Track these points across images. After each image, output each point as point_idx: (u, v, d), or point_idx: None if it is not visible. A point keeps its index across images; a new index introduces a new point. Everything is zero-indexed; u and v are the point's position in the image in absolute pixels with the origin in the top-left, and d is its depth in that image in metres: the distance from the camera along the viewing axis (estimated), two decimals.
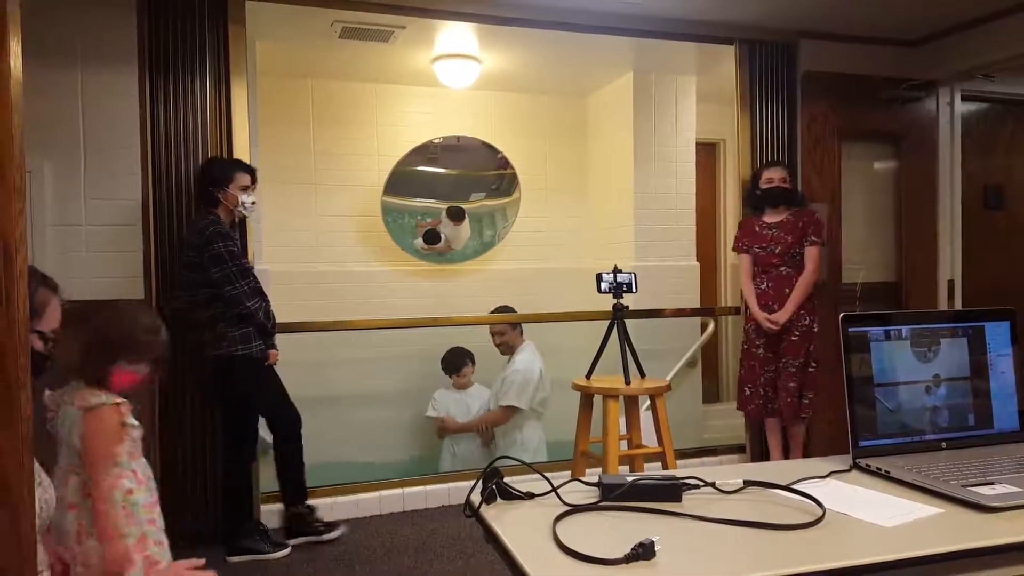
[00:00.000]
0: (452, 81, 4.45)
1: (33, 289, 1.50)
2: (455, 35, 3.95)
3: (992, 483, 1.23)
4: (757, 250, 3.66)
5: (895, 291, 4.27)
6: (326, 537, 3.17)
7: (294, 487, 3.18)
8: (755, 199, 3.75)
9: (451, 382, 4.45)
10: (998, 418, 1.50)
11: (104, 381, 1.73)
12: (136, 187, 3.11)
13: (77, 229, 3.05)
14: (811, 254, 3.59)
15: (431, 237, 4.79)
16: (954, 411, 1.47)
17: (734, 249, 3.80)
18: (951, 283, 4.24)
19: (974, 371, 1.49)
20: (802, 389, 3.55)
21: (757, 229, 3.69)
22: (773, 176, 3.67)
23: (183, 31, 3.15)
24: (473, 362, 4.45)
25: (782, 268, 3.60)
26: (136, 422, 1.74)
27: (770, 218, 3.68)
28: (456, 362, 4.42)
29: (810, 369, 3.56)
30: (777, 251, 3.60)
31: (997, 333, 1.52)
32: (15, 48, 0.97)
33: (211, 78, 3.19)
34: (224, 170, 3.06)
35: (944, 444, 1.45)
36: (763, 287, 3.63)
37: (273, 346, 3.11)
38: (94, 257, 3.07)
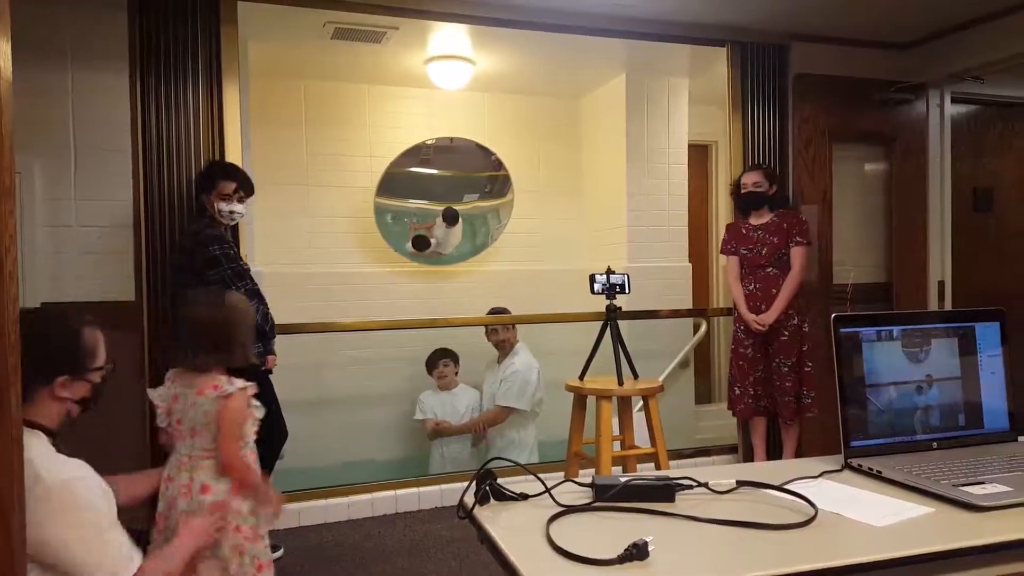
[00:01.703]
0: (445, 82, 4.45)
1: (79, 328, 1.57)
2: (448, 36, 3.95)
3: (983, 482, 1.24)
4: (744, 252, 3.69)
5: (886, 292, 4.30)
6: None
7: None
8: (737, 202, 3.81)
9: (435, 384, 4.44)
10: (988, 418, 1.51)
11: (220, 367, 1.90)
12: (127, 188, 3.09)
13: (68, 230, 3.04)
14: (798, 254, 3.63)
15: (420, 243, 4.78)
16: (945, 411, 1.48)
17: (722, 252, 3.83)
18: (941, 284, 4.26)
19: (964, 371, 1.50)
20: (799, 388, 3.59)
21: (743, 231, 3.73)
22: (747, 181, 3.73)
23: (174, 31, 3.13)
24: (454, 361, 4.45)
25: (769, 269, 3.64)
26: (258, 403, 1.92)
27: (755, 220, 3.72)
28: (433, 361, 4.43)
29: (806, 369, 3.60)
30: (764, 252, 3.64)
31: (987, 334, 1.52)
32: (4, 48, 0.97)
33: (203, 79, 3.17)
34: (209, 176, 3.00)
35: (935, 444, 1.46)
36: (751, 288, 3.66)
37: (271, 351, 3.07)
38: (85, 258, 3.06)
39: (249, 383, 1.89)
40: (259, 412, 1.90)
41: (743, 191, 3.73)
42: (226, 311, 1.95)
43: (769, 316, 3.56)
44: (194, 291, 2.31)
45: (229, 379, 1.87)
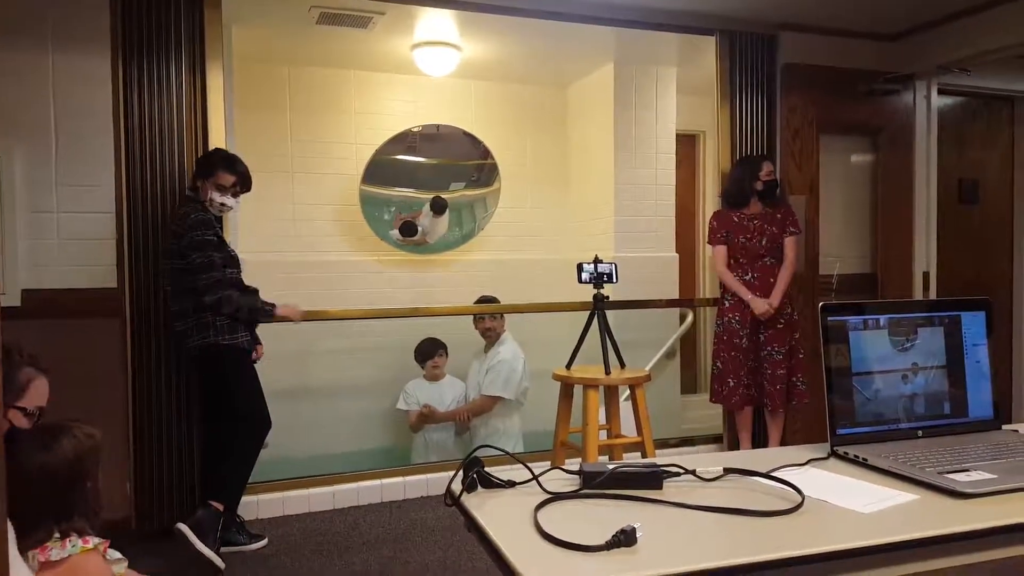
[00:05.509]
0: (432, 69, 4.42)
1: (15, 365, 1.40)
2: (435, 22, 3.92)
3: (967, 470, 1.25)
4: (742, 240, 3.67)
5: (871, 283, 4.32)
6: (251, 547, 2.99)
7: (236, 490, 2.99)
8: (751, 191, 3.69)
9: (423, 373, 4.42)
10: (973, 407, 1.52)
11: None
12: (109, 174, 3.05)
13: (49, 216, 2.99)
14: (793, 243, 3.67)
15: (408, 230, 4.76)
16: (930, 400, 1.48)
17: (710, 242, 3.77)
18: (926, 275, 4.29)
19: (950, 360, 1.51)
20: (791, 376, 3.62)
21: (736, 220, 3.70)
22: (767, 170, 3.71)
23: (157, 15, 3.08)
24: (446, 353, 4.43)
25: (767, 259, 3.65)
26: (119, 555, 1.46)
27: (747, 209, 3.71)
28: (428, 351, 4.40)
29: (800, 356, 3.65)
30: (764, 242, 3.65)
31: (973, 323, 1.53)
32: None
33: (186, 64, 3.13)
34: (211, 163, 2.98)
35: (920, 432, 1.46)
36: (748, 278, 3.66)
37: (258, 340, 3.07)
38: (66, 244, 3.01)
39: (103, 539, 1.41)
40: (121, 567, 1.44)
41: (766, 179, 3.69)
42: (68, 459, 1.44)
43: (775, 300, 3.58)
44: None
45: (64, 538, 1.38)
